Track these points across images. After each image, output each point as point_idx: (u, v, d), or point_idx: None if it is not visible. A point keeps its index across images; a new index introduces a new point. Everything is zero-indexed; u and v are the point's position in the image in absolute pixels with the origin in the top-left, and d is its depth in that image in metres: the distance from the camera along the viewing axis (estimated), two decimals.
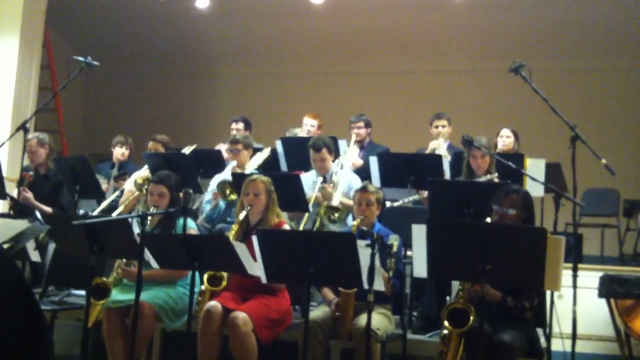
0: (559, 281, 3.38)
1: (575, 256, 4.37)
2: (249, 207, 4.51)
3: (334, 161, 5.71)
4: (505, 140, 6.46)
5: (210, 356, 4.18)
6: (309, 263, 3.60)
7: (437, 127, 6.61)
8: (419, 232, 3.54)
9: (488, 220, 3.88)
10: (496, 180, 5.07)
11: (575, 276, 4.14)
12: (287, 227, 4.75)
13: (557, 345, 4.21)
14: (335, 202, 5.29)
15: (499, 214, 3.94)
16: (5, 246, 3.74)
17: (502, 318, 3.80)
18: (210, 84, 11.13)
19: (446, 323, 3.61)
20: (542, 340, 4.08)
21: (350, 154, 6.23)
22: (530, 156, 5.49)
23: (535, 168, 5.22)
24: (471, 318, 3.54)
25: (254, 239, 3.79)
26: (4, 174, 6.02)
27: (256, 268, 3.86)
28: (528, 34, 9.31)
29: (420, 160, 5.76)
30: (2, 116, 7.95)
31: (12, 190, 6.24)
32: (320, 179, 5.52)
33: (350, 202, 5.38)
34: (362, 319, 3.94)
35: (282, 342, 4.43)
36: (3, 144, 5.92)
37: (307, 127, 6.97)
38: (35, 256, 4.46)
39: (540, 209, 5.91)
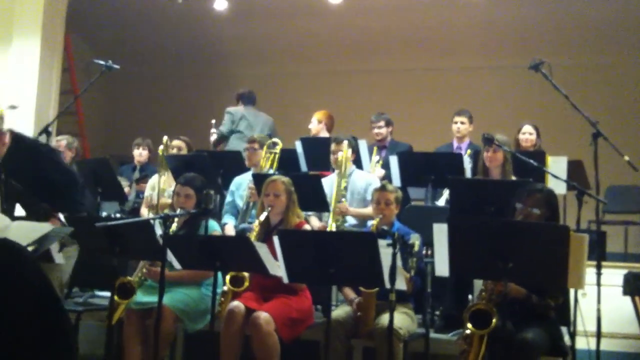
0: (582, 279, 3.36)
1: (599, 254, 4.34)
2: (269, 208, 4.52)
3: (353, 161, 5.71)
4: (528, 137, 6.41)
5: (232, 356, 4.21)
6: (330, 263, 3.60)
7: (456, 123, 6.60)
8: (440, 231, 3.53)
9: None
10: (513, 178, 5.04)
11: (599, 274, 4.11)
12: (307, 227, 4.76)
13: (581, 343, 4.17)
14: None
15: (523, 213, 3.90)
16: (30, 248, 3.79)
17: (525, 316, 3.78)
18: (228, 85, 11.13)
19: (469, 325, 3.59)
20: (566, 339, 4.05)
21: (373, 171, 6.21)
22: (551, 154, 5.45)
23: (557, 166, 5.18)
24: (493, 320, 3.52)
25: (275, 239, 3.80)
26: None
27: (277, 268, 3.87)
28: (548, 30, 9.23)
29: (440, 159, 5.75)
30: (25, 120, 8.03)
31: None
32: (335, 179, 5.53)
33: (362, 211, 5.38)
34: (384, 319, 3.94)
35: (304, 342, 4.44)
36: None
37: (310, 124, 7.02)
38: (59, 258, 4.50)
39: (562, 207, 5.85)
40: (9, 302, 2.78)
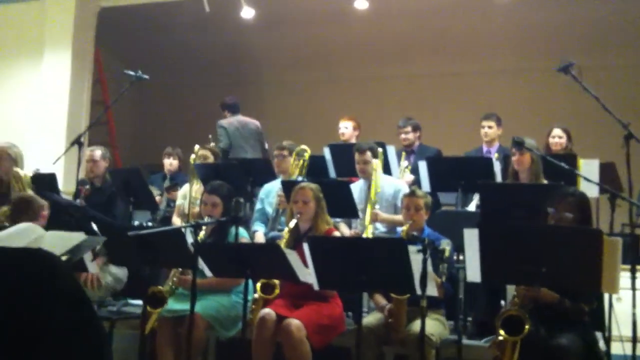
0: (616, 283, 3.30)
1: (633, 257, 4.26)
2: (298, 215, 4.53)
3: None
4: (557, 140, 6.33)
5: None
6: (360, 269, 3.59)
7: (483, 127, 6.55)
8: (471, 236, 3.51)
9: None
10: (544, 181, 4.99)
11: (633, 278, 4.03)
12: (337, 234, 4.76)
13: (617, 348, 4.12)
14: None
15: (555, 217, 3.86)
16: (63, 258, 3.84)
17: (559, 322, 3.73)
18: (257, 93, 11.22)
19: (501, 331, 3.55)
20: (601, 344, 4.00)
21: (403, 177, 6.16)
22: (583, 156, 5.38)
23: (588, 168, 5.11)
24: (526, 326, 3.48)
25: (305, 246, 3.80)
26: (60, 187, 6.19)
27: (308, 275, 3.87)
28: (575, 31, 9.14)
29: (469, 163, 5.71)
30: (57, 130, 8.18)
31: None
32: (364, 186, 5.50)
33: (395, 217, 5.33)
34: (416, 325, 3.93)
35: (335, 349, 4.44)
36: (59, 158, 6.07)
37: (341, 129, 6.94)
38: (92, 268, 4.56)
39: (595, 210, 5.78)
40: (43, 310, 2.82)
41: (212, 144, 7.15)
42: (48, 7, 8.57)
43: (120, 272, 5.01)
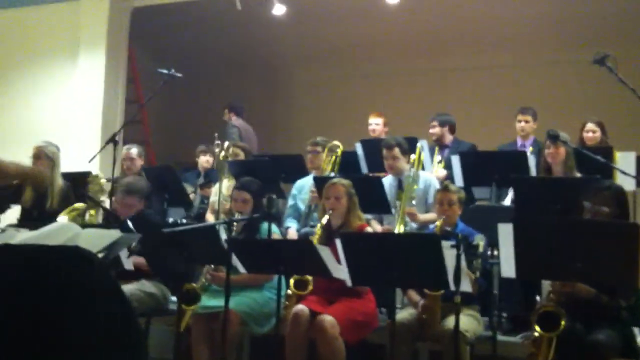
0: None
1: None
2: (330, 211, 4.53)
3: (408, 162, 5.57)
4: (591, 134, 6.21)
5: (298, 359, 4.23)
6: (394, 265, 3.58)
7: (520, 121, 6.49)
8: (505, 231, 3.47)
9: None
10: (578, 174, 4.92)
11: None
12: (369, 229, 4.75)
13: None
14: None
15: (591, 212, 3.80)
16: (99, 255, 3.89)
17: (596, 317, 3.68)
18: (288, 89, 11.25)
19: (537, 327, 3.51)
20: (639, 340, 3.93)
21: (434, 171, 6.10)
22: (619, 149, 5.30)
23: (625, 161, 5.04)
24: (562, 322, 3.44)
25: (337, 242, 3.80)
26: None
27: (341, 271, 3.87)
28: (609, 23, 8.97)
29: (503, 157, 5.65)
30: (93, 129, 8.29)
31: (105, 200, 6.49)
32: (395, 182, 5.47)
33: (428, 217, 5.26)
34: (450, 321, 3.90)
35: (370, 345, 4.44)
36: (94, 157, 6.14)
37: (372, 126, 6.94)
38: (128, 264, 4.61)
39: (632, 204, 5.68)
40: (81, 308, 2.86)
41: (218, 142, 7.21)
42: (82, 8, 8.69)
43: (167, 293, 5.03)
